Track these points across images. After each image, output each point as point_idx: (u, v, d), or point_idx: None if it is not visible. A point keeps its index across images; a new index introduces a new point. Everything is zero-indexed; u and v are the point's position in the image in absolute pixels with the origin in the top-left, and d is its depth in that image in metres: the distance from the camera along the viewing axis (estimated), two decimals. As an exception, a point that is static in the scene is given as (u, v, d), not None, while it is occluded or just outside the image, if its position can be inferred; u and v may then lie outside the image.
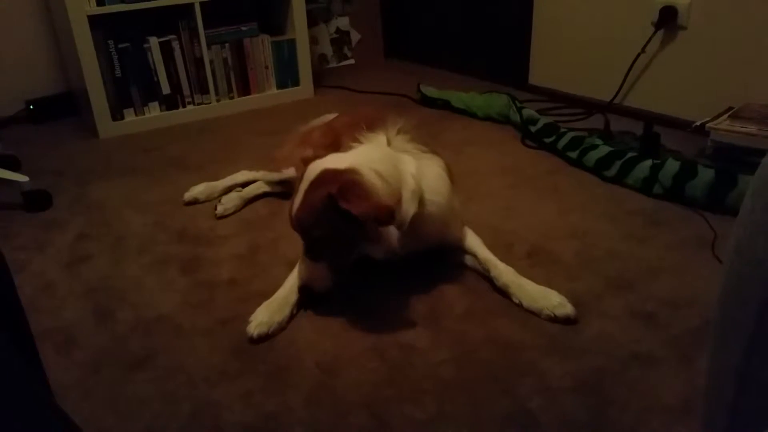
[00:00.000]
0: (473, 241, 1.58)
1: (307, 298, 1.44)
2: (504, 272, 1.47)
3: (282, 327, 1.39)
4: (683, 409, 1.14)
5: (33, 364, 0.97)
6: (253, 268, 1.65)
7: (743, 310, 0.68)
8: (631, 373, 1.23)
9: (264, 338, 1.36)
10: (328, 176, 1.33)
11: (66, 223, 1.95)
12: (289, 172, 1.96)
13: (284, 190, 2.02)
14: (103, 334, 1.42)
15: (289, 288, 1.47)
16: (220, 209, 1.92)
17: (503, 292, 1.47)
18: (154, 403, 1.21)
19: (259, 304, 1.48)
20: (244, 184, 2.04)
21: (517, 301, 1.43)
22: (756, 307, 0.67)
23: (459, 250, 1.60)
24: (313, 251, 1.41)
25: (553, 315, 1.37)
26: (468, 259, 1.59)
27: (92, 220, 1.97)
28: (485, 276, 1.53)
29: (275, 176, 2.00)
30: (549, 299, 1.40)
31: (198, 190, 2.02)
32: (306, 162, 1.43)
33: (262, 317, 1.39)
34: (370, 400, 1.19)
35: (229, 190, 2.02)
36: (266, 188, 2.03)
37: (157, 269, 1.67)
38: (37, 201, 2.05)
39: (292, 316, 1.43)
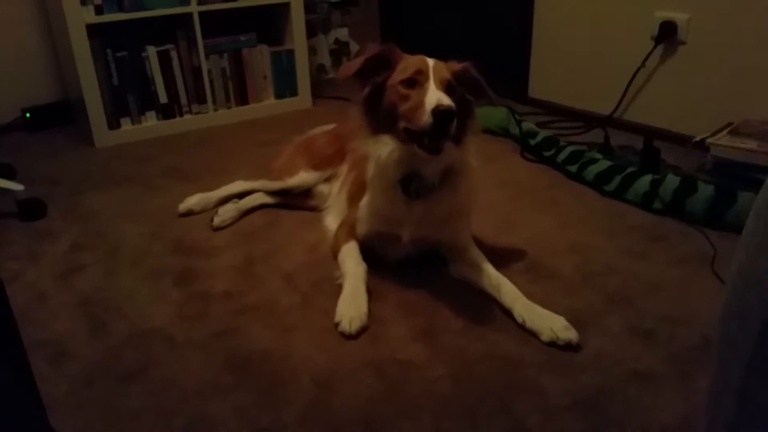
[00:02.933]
0: (478, 255, 1.58)
1: (442, 119, 1.30)
2: (512, 289, 1.46)
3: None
4: (682, 427, 1.13)
5: (24, 377, 0.96)
6: (248, 281, 1.63)
7: (744, 330, 0.68)
8: (631, 391, 1.21)
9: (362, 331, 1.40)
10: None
11: (60, 233, 1.93)
12: (293, 181, 1.95)
13: (283, 201, 2.01)
14: (96, 346, 1.40)
15: (353, 281, 1.49)
16: (216, 221, 1.90)
17: (506, 309, 1.45)
18: (147, 417, 1.19)
19: (253, 317, 1.47)
20: (240, 195, 2.02)
21: (520, 320, 1.40)
22: (757, 327, 0.66)
23: (460, 259, 1.59)
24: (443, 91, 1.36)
25: (555, 337, 1.34)
26: (468, 272, 1.57)
27: (87, 230, 1.95)
28: (484, 291, 1.51)
29: (277, 185, 1.98)
30: (555, 321, 1.37)
31: (192, 202, 2.00)
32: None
33: (351, 312, 1.41)
34: (367, 417, 1.17)
35: (224, 200, 2.00)
36: (263, 200, 2.02)
37: (151, 281, 1.65)
38: (31, 210, 2.03)
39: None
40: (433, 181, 1.47)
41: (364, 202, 1.61)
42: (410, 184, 1.48)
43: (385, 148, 1.44)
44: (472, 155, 1.51)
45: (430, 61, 1.42)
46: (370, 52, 1.45)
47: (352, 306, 1.43)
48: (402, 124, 1.39)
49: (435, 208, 1.51)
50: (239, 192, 2.03)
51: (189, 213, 1.98)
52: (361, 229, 1.62)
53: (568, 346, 1.33)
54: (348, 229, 1.65)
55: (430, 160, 1.41)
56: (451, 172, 1.49)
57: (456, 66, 1.46)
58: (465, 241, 1.60)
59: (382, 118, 1.44)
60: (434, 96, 1.32)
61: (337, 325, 1.41)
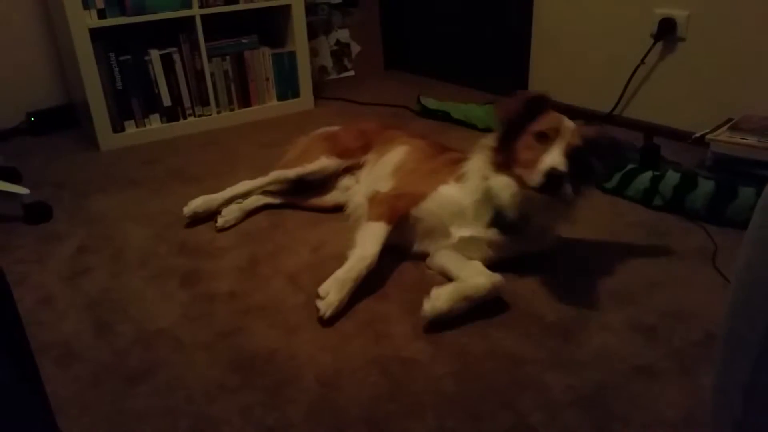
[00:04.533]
0: None
1: (550, 183, 1.39)
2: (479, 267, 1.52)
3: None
4: (686, 422, 1.14)
5: (31, 378, 0.97)
6: (252, 281, 1.65)
7: (751, 327, 0.68)
8: (633, 387, 1.22)
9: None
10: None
11: (66, 236, 1.95)
12: (313, 166, 1.94)
13: (288, 201, 2.01)
14: (103, 347, 1.42)
15: (356, 268, 1.51)
16: (220, 221, 1.90)
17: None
18: (154, 417, 1.21)
19: (258, 317, 1.49)
20: (246, 196, 2.01)
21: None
22: (764, 324, 0.66)
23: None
24: (566, 155, 1.43)
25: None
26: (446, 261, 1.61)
27: (92, 232, 1.97)
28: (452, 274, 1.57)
29: (294, 172, 1.96)
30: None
31: (196, 204, 1.96)
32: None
33: (333, 297, 1.46)
34: (371, 415, 1.18)
35: (229, 201, 1.99)
36: (267, 200, 2.02)
37: (157, 282, 1.67)
38: (37, 213, 2.05)
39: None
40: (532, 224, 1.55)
41: (446, 194, 1.61)
42: (503, 219, 1.54)
43: (507, 190, 1.50)
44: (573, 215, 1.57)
45: (568, 123, 1.49)
46: (526, 95, 1.56)
47: (339, 291, 1.47)
48: (517, 171, 1.47)
49: (513, 245, 1.58)
50: (245, 192, 2.00)
51: (194, 216, 1.95)
52: (424, 211, 1.63)
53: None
54: (389, 206, 1.63)
55: (543, 210, 1.50)
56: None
57: (588, 130, 1.50)
58: None
59: (506, 156, 1.51)
60: (553, 159, 1.40)
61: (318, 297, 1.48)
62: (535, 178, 1.40)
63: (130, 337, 1.45)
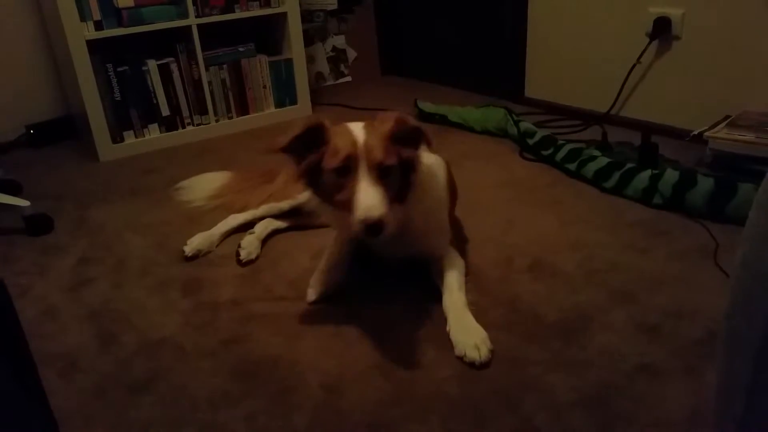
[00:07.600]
0: (449, 262, 1.55)
1: (370, 233, 1.25)
2: (455, 299, 1.46)
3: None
4: (690, 421, 1.13)
5: (34, 391, 0.97)
6: (254, 288, 1.65)
7: (750, 325, 0.68)
8: (637, 386, 1.22)
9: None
10: (381, 119, 1.35)
11: (67, 247, 1.95)
12: (304, 196, 1.81)
13: (294, 223, 1.95)
14: (106, 357, 1.42)
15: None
16: (243, 254, 1.80)
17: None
18: (159, 427, 1.21)
19: (260, 325, 1.49)
20: (244, 226, 1.94)
21: (448, 328, 1.40)
22: (763, 321, 0.66)
23: (434, 266, 1.57)
24: (377, 177, 1.28)
25: (463, 354, 1.32)
26: (436, 279, 1.56)
27: (94, 243, 1.97)
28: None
29: (287, 203, 1.92)
30: (471, 337, 1.34)
31: (198, 242, 1.87)
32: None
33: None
34: (375, 420, 1.18)
35: (225, 236, 1.93)
36: (275, 225, 1.94)
37: (158, 291, 1.67)
38: (38, 225, 2.05)
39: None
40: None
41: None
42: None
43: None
44: (418, 194, 1.43)
45: (360, 137, 1.30)
46: (296, 130, 1.33)
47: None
48: (337, 215, 1.36)
49: (400, 245, 1.50)
50: (238, 226, 1.95)
51: (196, 254, 1.85)
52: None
53: (472, 365, 1.30)
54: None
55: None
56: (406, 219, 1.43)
57: (387, 125, 1.33)
58: (440, 250, 1.58)
59: (325, 197, 1.37)
60: (364, 199, 1.23)
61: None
62: (355, 229, 1.24)
63: (133, 346, 1.45)
